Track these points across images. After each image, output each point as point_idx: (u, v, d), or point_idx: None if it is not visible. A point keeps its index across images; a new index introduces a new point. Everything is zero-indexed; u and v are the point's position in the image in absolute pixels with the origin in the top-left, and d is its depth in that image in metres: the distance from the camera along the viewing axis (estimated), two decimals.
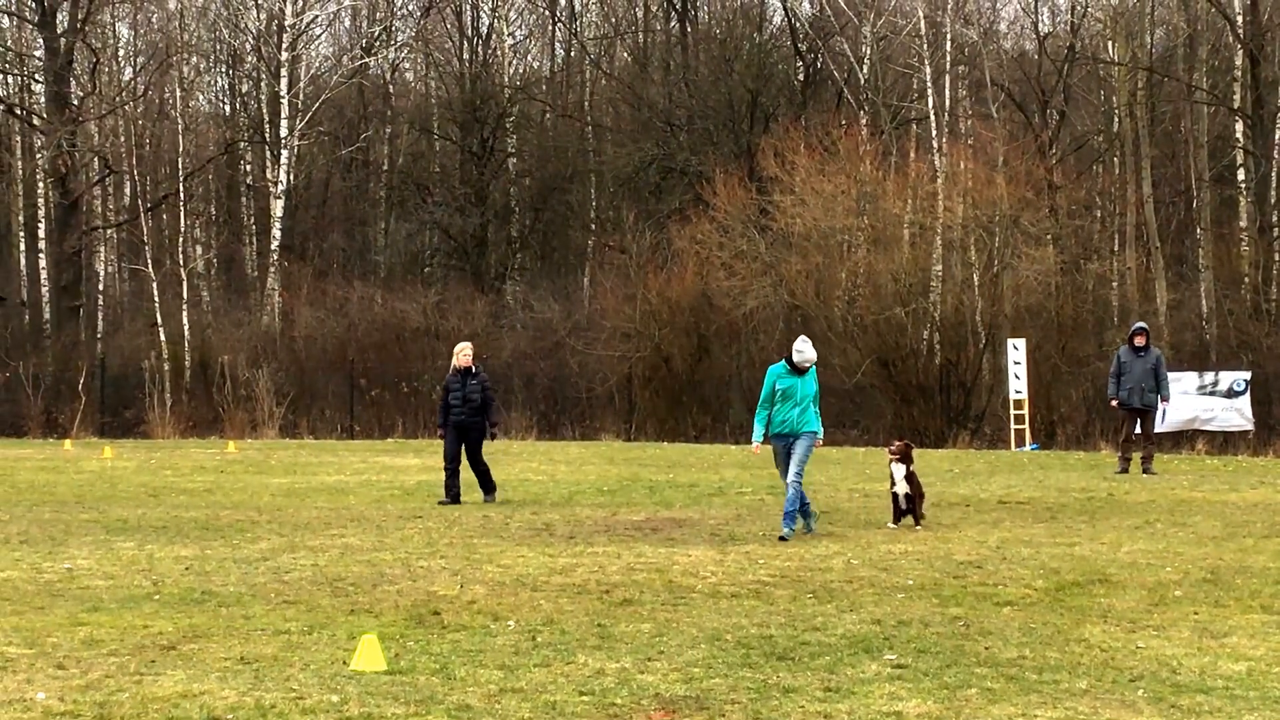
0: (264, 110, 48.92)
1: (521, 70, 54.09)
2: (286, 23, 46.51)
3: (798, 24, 47.88)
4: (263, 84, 49.81)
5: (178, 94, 48.29)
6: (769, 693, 7.95)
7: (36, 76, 47.50)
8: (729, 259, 38.01)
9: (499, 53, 51.38)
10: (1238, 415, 31.02)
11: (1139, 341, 22.32)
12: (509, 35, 52.23)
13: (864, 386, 35.63)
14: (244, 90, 53.13)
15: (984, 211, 36.19)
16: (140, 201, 45.73)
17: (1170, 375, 24.06)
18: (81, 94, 45.61)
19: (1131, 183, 39.68)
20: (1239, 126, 39.01)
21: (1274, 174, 38.99)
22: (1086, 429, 32.79)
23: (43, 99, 46.81)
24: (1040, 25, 46.23)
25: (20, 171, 49.05)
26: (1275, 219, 38.57)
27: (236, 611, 10.41)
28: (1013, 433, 31.90)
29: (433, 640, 9.37)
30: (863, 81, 43.38)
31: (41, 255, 44.93)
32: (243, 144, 50.34)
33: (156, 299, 43.50)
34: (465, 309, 41.57)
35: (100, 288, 47.32)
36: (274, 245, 45.31)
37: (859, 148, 38.78)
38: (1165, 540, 14.12)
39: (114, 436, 37.21)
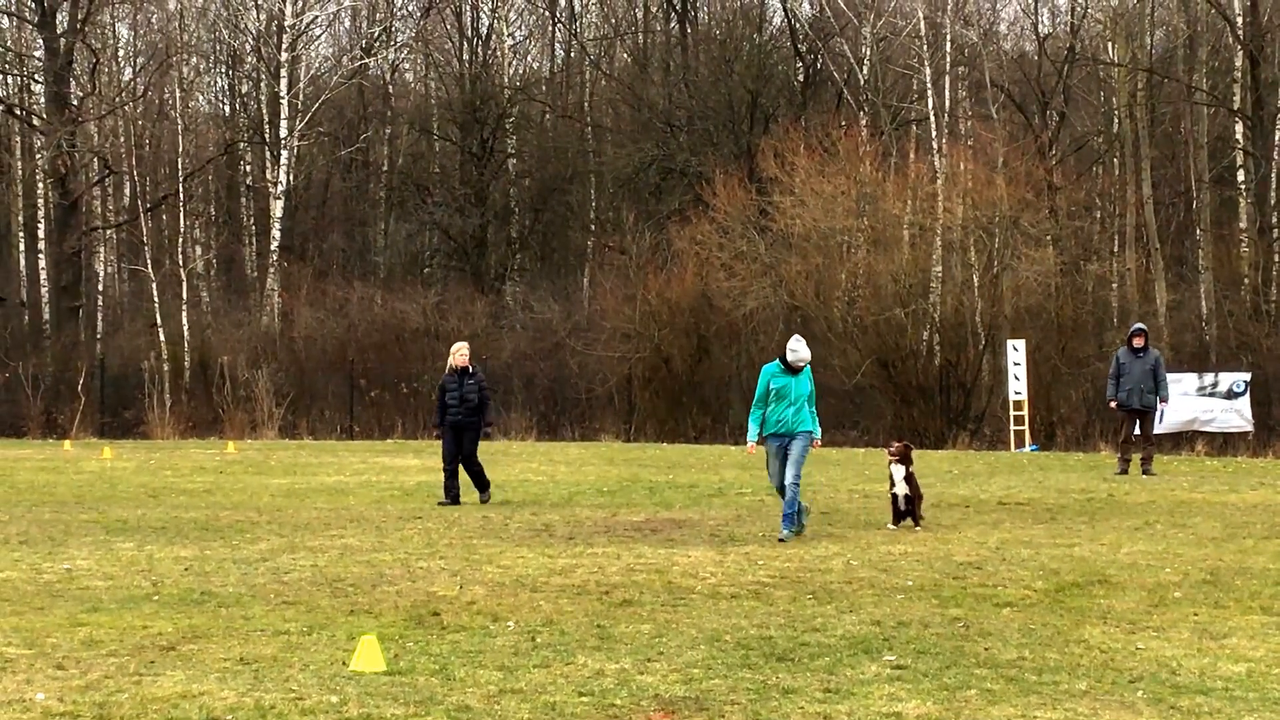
0: (264, 111, 48.92)
1: (521, 71, 54.13)
2: (286, 23, 46.50)
3: (798, 25, 47.89)
4: (262, 84, 49.81)
5: (177, 94, 48.28)
6: (768, 694, 7.95)
7: (36, 77, 47.51)
8: (729, 260, 38.01)
9: (499, 53, 51.37)
10: (1237, 416, 31.03)
11: (1138, 343, 22.31)
12: (509, 36, 52.26)
13: (864, 387, 35.64)
14: (244, 91, 53.15)
15: (984, 212, 36.19)
16: (140, 202, 45.72)
17: (1170, 376, 24.07)
18: (81, 94, 45.61)
19: (1131, 184, 39.67)
20: (1239, 127, 39.01)
21: (1274, 175, 39.00)
22: (1086, 430, 32.79)
23: (42, 99, 46.82)
24: (1040, 26, 46.34)
25: (20, 172, 49.05)
26: (1275, 220, 38.57)
27: (236, 612, 10.40)
28: (1012, 434, 31.90)
29: (432, 641, 9.36)
30: (863, 82, 43.37)
31: (41, 255, 44.95)
32: (242, 144, 50.33)
33: (156, 299, 43.51)
34: (465, 309, 41.56)
35: (100, 288, 47.33)
36: (274, 246, 45.30)
37: (859, 148, 38.78)
38: (1165, 541, 14.11)
39: (113, 437, 37.22)
